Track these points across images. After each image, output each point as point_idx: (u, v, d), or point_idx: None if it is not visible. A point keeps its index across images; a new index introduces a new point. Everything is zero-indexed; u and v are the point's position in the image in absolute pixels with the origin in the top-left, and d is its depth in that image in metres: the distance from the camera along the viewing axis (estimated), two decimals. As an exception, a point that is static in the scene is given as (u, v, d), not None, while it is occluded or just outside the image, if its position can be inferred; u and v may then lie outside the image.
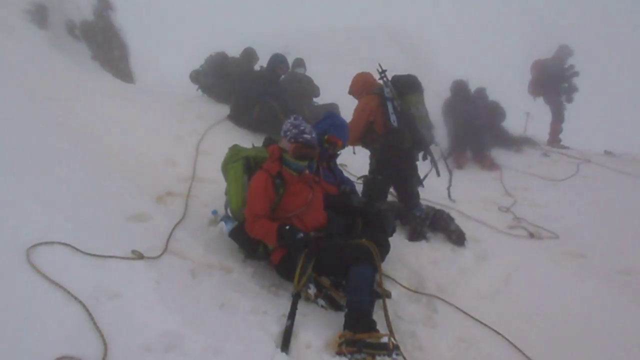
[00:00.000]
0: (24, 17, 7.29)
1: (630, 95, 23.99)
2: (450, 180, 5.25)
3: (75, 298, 2.48)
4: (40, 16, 7.64)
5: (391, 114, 4.75)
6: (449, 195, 5.42)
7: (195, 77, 8.82)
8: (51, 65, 6.71)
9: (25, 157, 3.75)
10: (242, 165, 3.72)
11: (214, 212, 4.06)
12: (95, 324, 2.37)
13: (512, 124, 9.84)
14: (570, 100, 9.80)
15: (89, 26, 9.15)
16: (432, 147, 5.08)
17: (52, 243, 2.83)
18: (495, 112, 9.42)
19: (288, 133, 3.60)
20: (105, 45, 9.44)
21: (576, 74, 9.72)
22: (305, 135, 3.58)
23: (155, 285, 2.87)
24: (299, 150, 3.55)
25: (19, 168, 3.56)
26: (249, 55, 8.61)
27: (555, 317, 3.71)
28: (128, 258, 3.02)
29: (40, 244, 2.77)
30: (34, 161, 3.78)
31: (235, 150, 3.91)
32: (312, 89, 8.70)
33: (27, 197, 3.25)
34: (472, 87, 9.48)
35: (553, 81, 9.71)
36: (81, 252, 2.86)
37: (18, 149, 3.84)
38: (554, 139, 9.91)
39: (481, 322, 3.49)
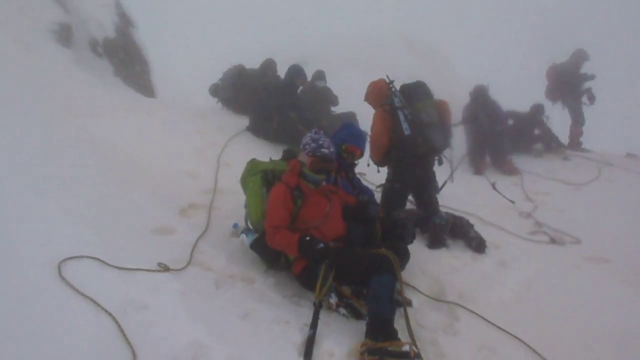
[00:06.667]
0: (49, 37, 7.52)
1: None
2: (451, 177, 5.26)
3: (105, 310, 2.58)
4: (64, 35, 7.85)
5: (403, 122, 4.81)
6: (440, 187, 5.29)
7: (215, 90, 9.00)
8: (76, 83, 6.90)
9: (53, 174, 3.89)
10: (260, 179, 3.80)
11: (235, 226, 4.14)
12: (124, 334, 2.46)
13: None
14: (592, 101, 9.65)
15: (111, 43, 9.37)
16: (449, 151, 5.11)
17: (82, 257, 2.95)
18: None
19: (307, 147, 3.71)
20: (127, 61, 9.66)
21: (592, 77, 9.60)
22: (323, 150, 3.67)
23: (180, 296, 2.97)
24: (317, 164, 3.65)
25: (48, 184, 3.69)
26: (267, 66, 8.75)
27: (577, 323, 3.68)
28: (154, 270, 3.12)
29: (71, 258, 2.89)
30: (62, 177, 3.90)
31: (253, 164, 4.00)
32: (330, 97, 8.80)
33: (56, 212, 3.39)
34: (492, 91, 9.42)
35: (570, 86, 9.61)
36: (109, 265, 2.98)
37: (45, 166, 3.97)
38: (575, 142, 9.79)
39: (503, 329, 3.47)
